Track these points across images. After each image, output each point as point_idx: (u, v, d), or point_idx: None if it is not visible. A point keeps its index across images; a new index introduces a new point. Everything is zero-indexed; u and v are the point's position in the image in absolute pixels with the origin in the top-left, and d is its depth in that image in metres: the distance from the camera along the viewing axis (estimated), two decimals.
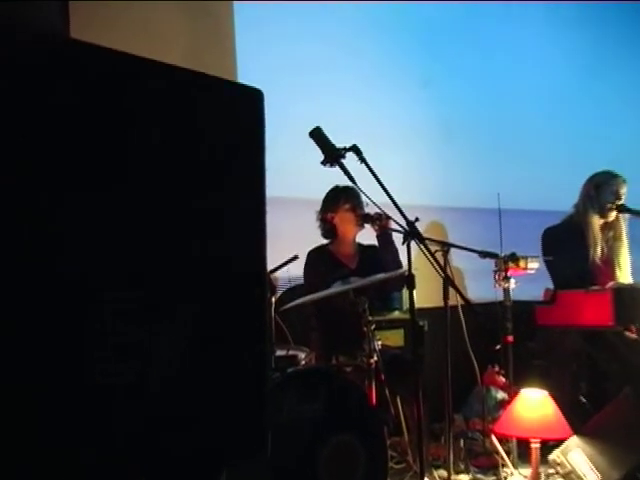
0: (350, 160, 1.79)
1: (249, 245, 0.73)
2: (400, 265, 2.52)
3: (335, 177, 1.79)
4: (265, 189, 0.73)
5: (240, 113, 0.69)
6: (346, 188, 2.61)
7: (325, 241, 2.69)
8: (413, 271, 1.72)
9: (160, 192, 0.64)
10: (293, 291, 2.59)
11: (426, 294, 2.25)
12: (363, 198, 2.49)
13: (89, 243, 0.57)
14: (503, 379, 2.74)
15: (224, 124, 0.67)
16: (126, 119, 0.60)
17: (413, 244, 1.74)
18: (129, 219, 0.62)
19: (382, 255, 2.58)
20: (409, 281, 1.72)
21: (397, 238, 2.46)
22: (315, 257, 2.58)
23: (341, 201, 2.59)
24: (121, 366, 0.59)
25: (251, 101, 0.68)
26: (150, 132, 0.62)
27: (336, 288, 2.11)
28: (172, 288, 0.65)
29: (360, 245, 2.72)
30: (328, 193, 2.66)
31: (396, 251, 2.56)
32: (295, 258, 2.18)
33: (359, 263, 2.65)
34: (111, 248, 0.59)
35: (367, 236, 2.65)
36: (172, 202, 0.66)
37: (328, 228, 2.63)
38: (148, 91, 0.63)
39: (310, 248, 2.61)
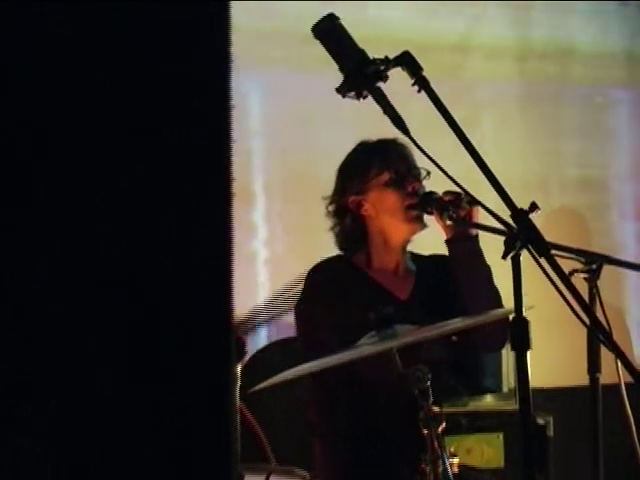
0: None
1: (204, 264, 0.83)
2: (495, 300, 2.48)
3: None
4: (231, 155, 0.87)
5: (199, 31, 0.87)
6: (383, 144, 2.57)
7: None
8: (526, 312, 1.67)
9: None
10: (277, 349, 2.63)
11: (551, 361, 2.28)
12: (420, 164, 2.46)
13: None
14: None
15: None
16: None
17: (525, 257, 1.67)
18: None
19: (459, 280, 2.54)
20: (518, 334, 1.66)
21: (489, 244, 2.37)
22: (327, 280, 2.55)
23: (373, 169, 2.54)
24: None
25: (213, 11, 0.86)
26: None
27: (368, 346, 2.08)
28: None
29: (416, 257, 2.69)
30: (348, 158, 2.62)
31: (488, 272, 2.52)
32: None
33: (416, 291, 2.59)
34: None
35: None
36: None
37: (351, 225, 2.57)
38: None
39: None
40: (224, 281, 0.86)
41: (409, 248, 2.66)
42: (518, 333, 1.65)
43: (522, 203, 1.69)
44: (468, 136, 1.66)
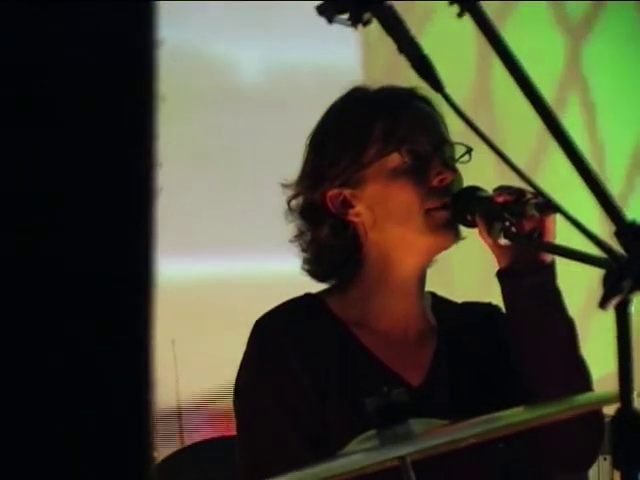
0: None
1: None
2: (580, 379, 2.28)
3: None
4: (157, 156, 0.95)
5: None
6: (394, 96, 2.28)
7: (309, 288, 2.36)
8: (639, 402, 1.59)
9: None
10: (203, 456, 2.61)
11: None
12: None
13: None
14: None
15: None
16: None
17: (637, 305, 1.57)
18: None
19: (519, 343, 2.34)
20: (624, 440, 1.57)
21: (571, 282, 2.30)
22: (287, 344, 2.26)
23: (374, 143, 2.23)
24: None
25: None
26: None
27: (363, 454, 1.93)
28: None
29: (441, 303, 2.44)
30: (330, 119, 2.32)
31: (569, 331, 2.31)
32: None
33: (437, 364, 2.34)
34: None
35: None
36: None
37: (330, 239, 2.29)
38: None
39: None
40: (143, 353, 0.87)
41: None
42: (625, 439, 1.55)
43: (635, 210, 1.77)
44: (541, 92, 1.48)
